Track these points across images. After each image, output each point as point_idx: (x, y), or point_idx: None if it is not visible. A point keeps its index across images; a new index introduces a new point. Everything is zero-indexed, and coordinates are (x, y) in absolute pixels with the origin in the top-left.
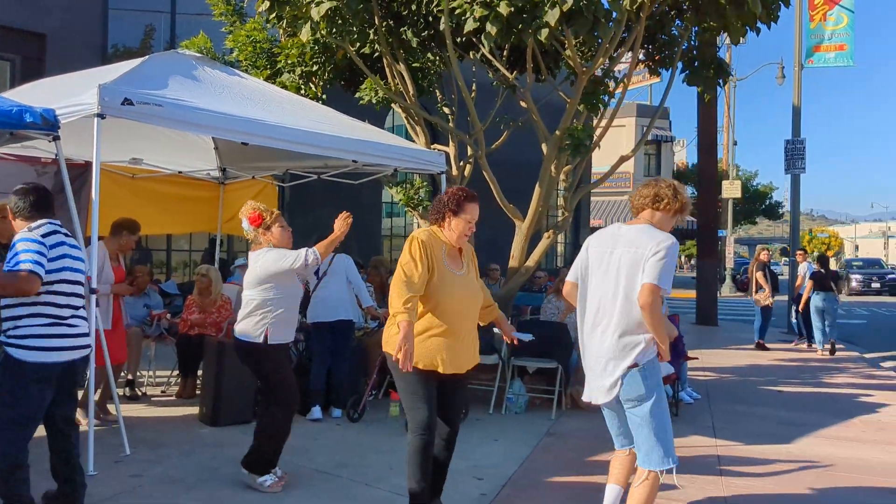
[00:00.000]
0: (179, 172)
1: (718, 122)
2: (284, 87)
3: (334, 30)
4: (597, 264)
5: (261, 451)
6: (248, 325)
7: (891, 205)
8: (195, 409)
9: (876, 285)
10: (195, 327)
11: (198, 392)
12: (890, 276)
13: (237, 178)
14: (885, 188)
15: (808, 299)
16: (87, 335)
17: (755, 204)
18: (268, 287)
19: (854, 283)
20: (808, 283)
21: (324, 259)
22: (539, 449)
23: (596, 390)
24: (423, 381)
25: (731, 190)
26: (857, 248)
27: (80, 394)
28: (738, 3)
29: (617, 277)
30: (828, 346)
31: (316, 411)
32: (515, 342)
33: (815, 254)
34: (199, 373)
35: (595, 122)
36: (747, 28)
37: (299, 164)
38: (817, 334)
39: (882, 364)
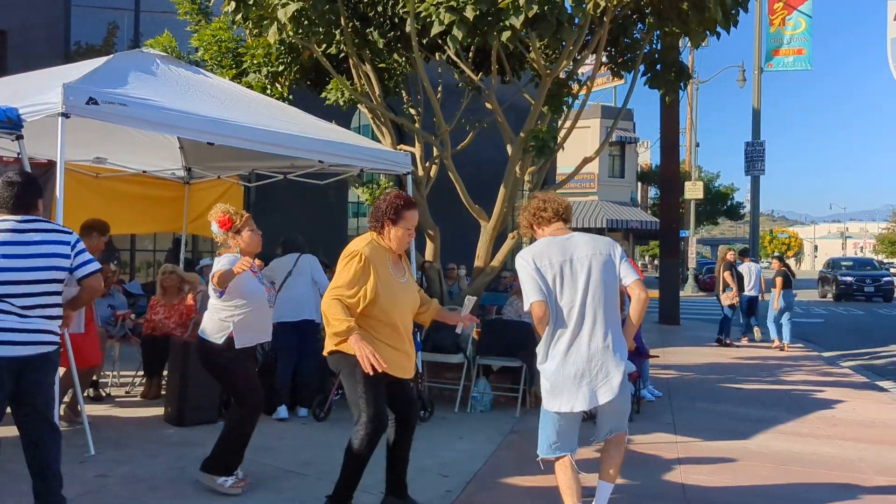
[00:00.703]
0: (144, 172)
1: (681, 124)
2: (250, 86)
3: (300, 31)
4: (559, 276)
5: (222, 453)
6: (211, 328)
7: (849, 206)
8: (160, 410)
9: (869, 289)
10: (160, 327)
11: (163, 393)
12: (886, 278)
13: (202, 177)
14: (843, 190)
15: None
16: (45, 332)
17: (717, 205)
18: (228, 291)
19: (842, 287)
20: (779, 282)
21: (222, 285)
22: (504, 447)
23: (604, 392)
24: (374, 383)
25: (693, 191)
26: (815, 248)
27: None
28: (699, 7)
29: (594, 282)
30: (784, 343)
31: (282, 410)
32: (465, 324)
33: (776, 253)
34: (165, 373)
35: (559, 123)
36: (708, 32)
37: (265, 164)
38: (783, 330)
39: (839, 362)
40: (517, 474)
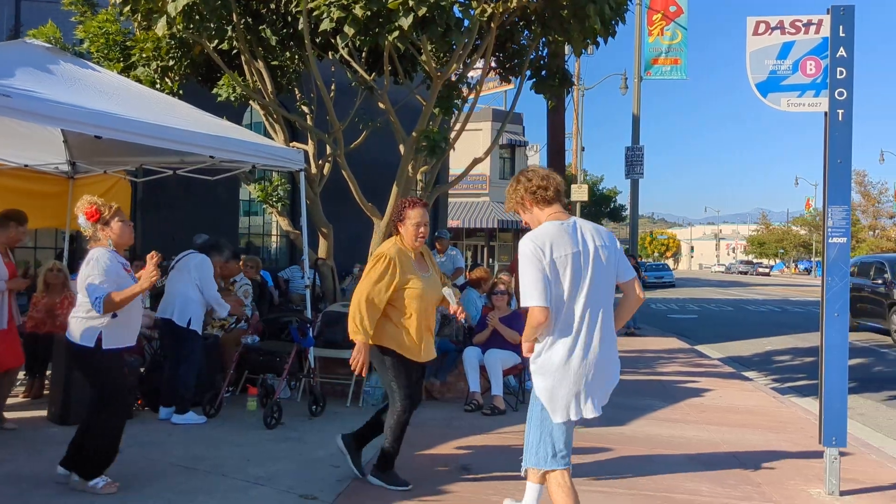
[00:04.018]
0: (26, 166)
1: (568, 129)
2: (139, 80)
3: (191, 25)
4: (571, 270)
5: (90, 455)
6: (79, 329)
7: (722, 209)
8: (44, 411)
9: None
10: (42, 325)
11: (46, 392)
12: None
13: (88, 172)
14: (717, 193)
15: None
16: None
17: (601, 207)
18: None
19: None
20: None
21: (111, 310)
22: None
23: (605, 395)
24: (399, 367)
25: (579, 193)
26: (692, 249)
27: None
28: (580, 17)
29: (601, 276)
30: (634, 329)
31: (164, 411)
32: (460, 315)
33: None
34: (49, 372)
35: (451, 124)
36: (588, 40)
37: (154, 159)
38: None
39: (709, 354)
40: (408, 463)
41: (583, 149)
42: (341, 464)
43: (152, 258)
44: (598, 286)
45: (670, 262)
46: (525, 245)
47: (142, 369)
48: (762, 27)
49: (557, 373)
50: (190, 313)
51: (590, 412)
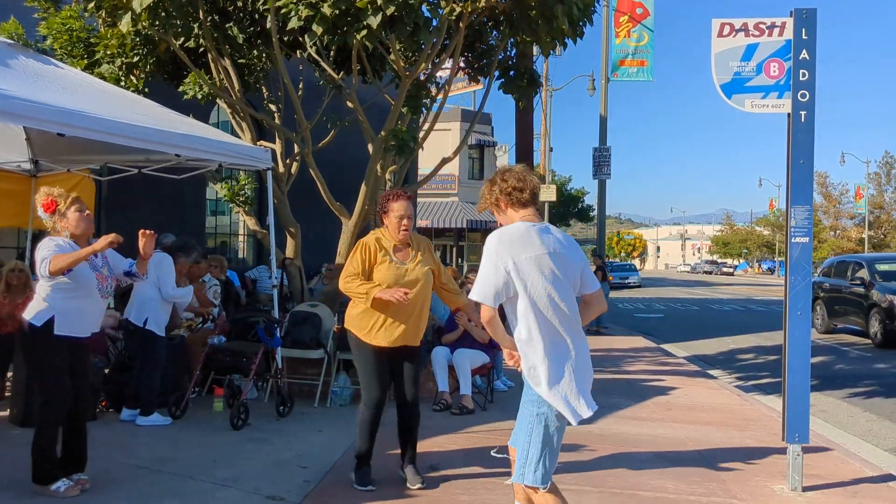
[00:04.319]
0: None
1: (536, 130)
2: (103, 78)
3: (157, 22)
4: (539, 270)
5: (41, 459)
6: (33, 309)
7: (688, 210)
8: (5, 412)
9: None
10: (3, 326)
11: (8, 394)
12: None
13: (51, 170)
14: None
15: None
16: None
17: (569, 207)
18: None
19: None
20: (598, 276)
21: (58, 272)
22: None
23: (588, 399)
24: (373, 360)
25: (547, 193)
26: (658, 248)
27: None
28: (548, 18)
29: (571, 280)
30: (600, 328)
31: (126, 413)
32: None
33: (596, 252)
34: (10, 374)
35: (420, 123)
36: (557, 41)
37: (119, 157)
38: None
39: (675, 353)
40: (376, 463)
41: (551, 149)
42: (309, 464)
43: (143, 234)
44: (567, 287)
45: (637, 262)
46: (492, 239)
47: (106, 370)
48: (727, 29)
49: (556, 375)
50: (147, 313)
51: (586, 411)
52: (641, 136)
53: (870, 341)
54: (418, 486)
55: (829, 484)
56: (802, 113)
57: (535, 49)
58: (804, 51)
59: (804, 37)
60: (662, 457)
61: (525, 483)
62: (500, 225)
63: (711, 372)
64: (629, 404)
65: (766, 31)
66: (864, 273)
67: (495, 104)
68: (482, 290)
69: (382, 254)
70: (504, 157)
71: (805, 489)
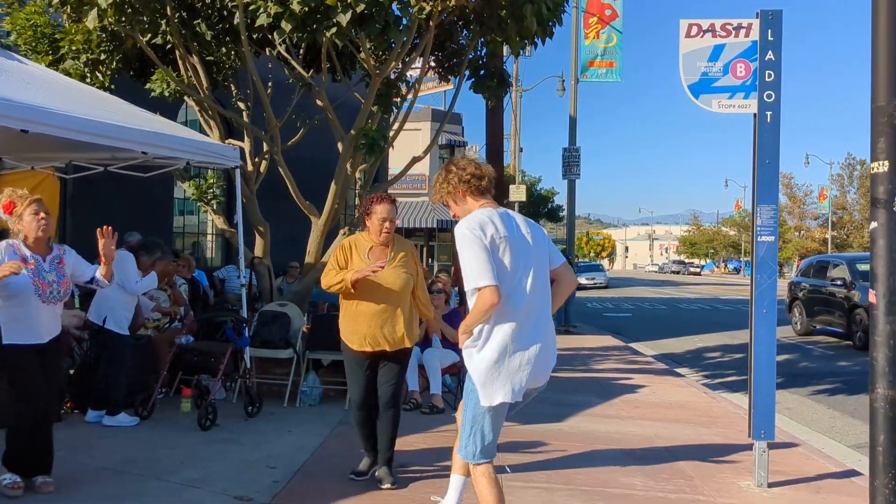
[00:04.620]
0: None
1: (507, 130)
2: (68, 74)
3: (123, 18)
4: (510, 251)
5: (9, 448)
6: None
7: (656, 210)
8: None
9: None
10: None
11: None
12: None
13: (14, 168)
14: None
15: None
16: None
17: (539, 207)
18: None
19: None
20: None
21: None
22: (332, 437)
23: (543, 376)
24: (354, 362)
25: (517, 194)
26: (626, 249)
27: None
28: (517, 17)
29: (541, 259)
30: (569, 326)
31: (92, 414)
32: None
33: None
34: None
35: (391, 122)
36: (526, 41)
37: (84, 155)
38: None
39: (643, 351)
40: (345, 462)
41: (521, 150)
42: (277, 464)
43: (102, 233)
44: (539, 268)
45: (605, 263)
46: (461, 228)
47: (70, 371)
48: (694, 30)
49: (500, 355)
50: (105, 312)
51: (519, 394)
52: (612, 138)
53: (850, 343)
54: (388, 485)
55: (794, 480)
56: (768, 113)
57: (506, 49)
58: (770, 52)
59: (770, 38)
60: (631, 454)
61: (463, 457)
62: (456, 217)
63: (679, 370)
64: (598, 402)
65: (733, 32)
66: (844, 273)
67: (466, 104)
68: (478, 272)
69: (358, 253)
70: (475, 157)
71: (770, 485)
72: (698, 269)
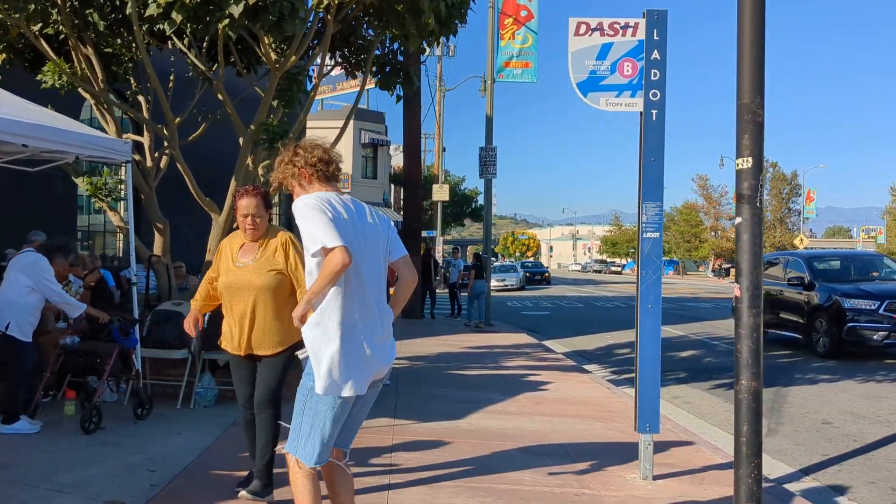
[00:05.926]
0: None
1: (430, 130)
2: None
3: (7, 6)
4: (353, 234)
5: None
6: None
7: (579, 210)
8: None
9: None
10: None
11: None
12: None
13: None
14: (574, 196)
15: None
16: None
17: (462, 207)
18: None
19: None
20: (472, 273)
21: None
22: (222, 439)
23: (385, 367)
24: (235, 364)
25: (440, 193)
26: (551, 248)
27: None
28: (415, 13)
29: (379, 251)
30: (481, 323)
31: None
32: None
33: (476, 252)
34: None
35: (301, 118)
36: (432, 38)
37: None
38: (473, 313)
39: (555, 349)
40: (231, 465)
41: (444, 149)
42: (159, 468)
43: None
44: (376, 259)
45: (544, 261)
46: (304, 199)
47: None
48: (583, 28)
49: (348, 342)
50: (9, 317)
51: (363, 389)
52: (535, 138)
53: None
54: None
55: (680, 472)
56: (654, 112)
57: (442, 49)
58: (655, 51)
59: (655, 37)
60: (526, 450)
61: (289, 451)
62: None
63: (587, 367)
64: (501, 399)
65: (621, 31)
66: (800, 272)
67: (389, 104)
68: (325, 234)
69: (228, 255)
70: (398, 155)
71: (656, 477)
72: (619, 269)
